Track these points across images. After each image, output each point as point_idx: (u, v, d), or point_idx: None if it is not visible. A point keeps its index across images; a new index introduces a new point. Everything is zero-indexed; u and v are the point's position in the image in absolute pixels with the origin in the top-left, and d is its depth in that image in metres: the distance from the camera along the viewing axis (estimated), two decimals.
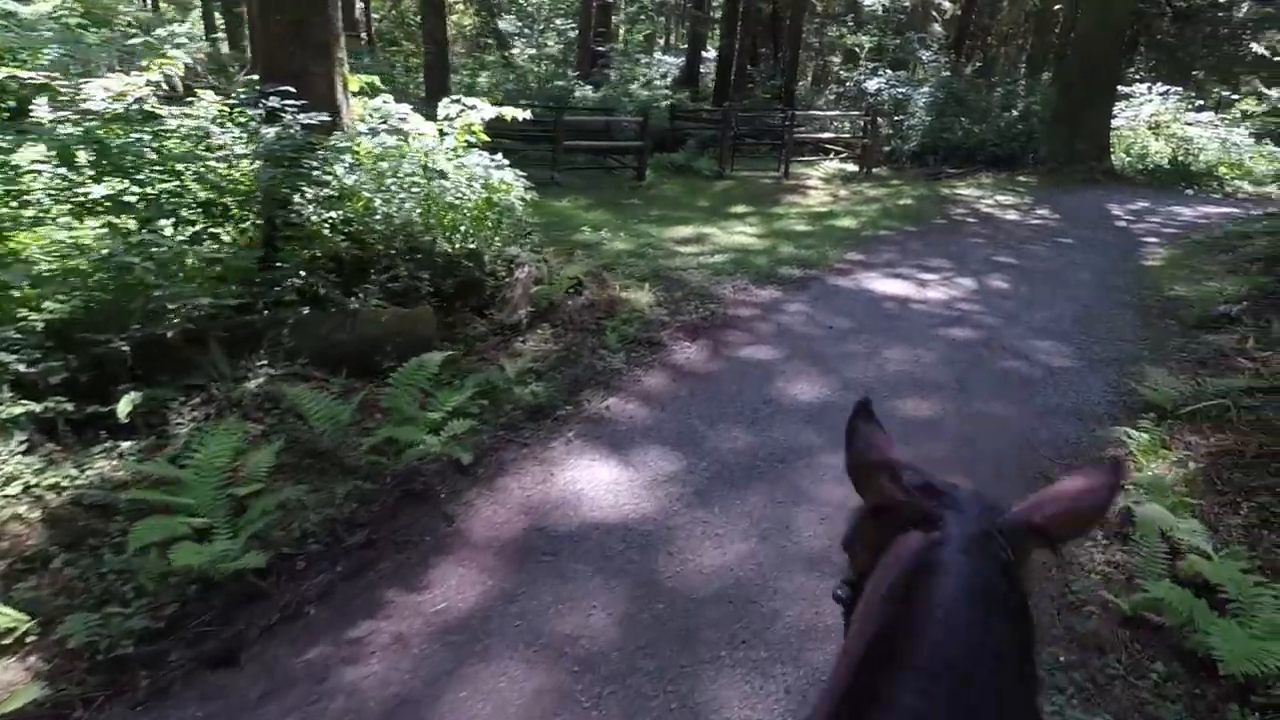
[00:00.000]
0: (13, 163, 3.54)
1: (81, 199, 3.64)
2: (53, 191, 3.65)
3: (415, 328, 4.38)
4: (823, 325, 6.04)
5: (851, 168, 15.20)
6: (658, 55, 31.20)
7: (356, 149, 4.90)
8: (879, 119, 15.45)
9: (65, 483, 3.02)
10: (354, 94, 5.72)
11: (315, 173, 4.50)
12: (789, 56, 20.40)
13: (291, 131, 4.40)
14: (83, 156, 3.68)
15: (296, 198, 4.40)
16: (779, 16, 23.36)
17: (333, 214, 4.51)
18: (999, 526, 0.76)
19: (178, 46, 4.71)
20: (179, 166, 3.95)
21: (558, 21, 29.80)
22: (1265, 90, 21.24)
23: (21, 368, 3.07)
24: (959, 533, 0.74)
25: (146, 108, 4.34)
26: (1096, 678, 2.58)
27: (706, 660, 2.60)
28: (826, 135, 16.13)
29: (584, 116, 17.84)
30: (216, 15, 20.61)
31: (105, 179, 3.69)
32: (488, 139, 6.11)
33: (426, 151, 5.37)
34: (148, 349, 3.47)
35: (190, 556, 2.68)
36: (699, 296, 6.59)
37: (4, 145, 3.54)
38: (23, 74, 4.13)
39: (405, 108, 6.02)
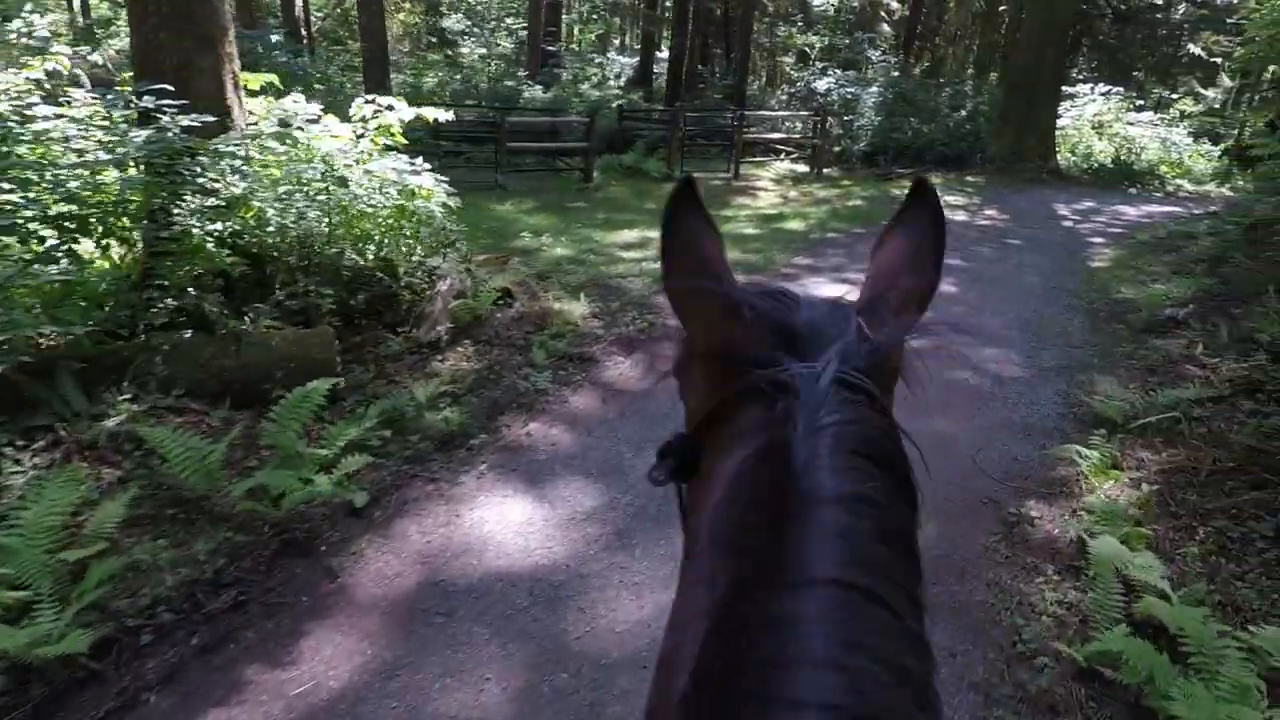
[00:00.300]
0: None
1: None
2: None
3: (311, 351, 3.95)
4: None
5: (802, 168, 15.05)
6: (612, 55, 30.93)
7: (248, 154, 4.45)
8: (829, 119, 15.33)
9: None
10: (254, 93, 5.26)
11: (200, 180, 4.05)
12: (740, 56, 20.23)
13: (169, 134, 3.94)
14: None
15: (176, 208, 3.94)
16: (730, 17, 23.21)
17: (218, 226, 4.06)
18: (858, 365, 0.60)
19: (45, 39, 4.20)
20: (29, 175, 3.47)
21: (509, 21, 29.36)
22: (1201, 90, 21.77)
23: None
24: (810, 411, 0.56)
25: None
26: None
27: None
28: (777, 136, 15.97)
29: (531, 117, 17.44)
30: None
31: None
32: (406, 141, 5.69)
33: (327, 155, 4.93)
34: None
35: (1, 640, 2.25)
36: (638, 306, 6.26)
37: None
38: None
39: (315, 108, 5.56)
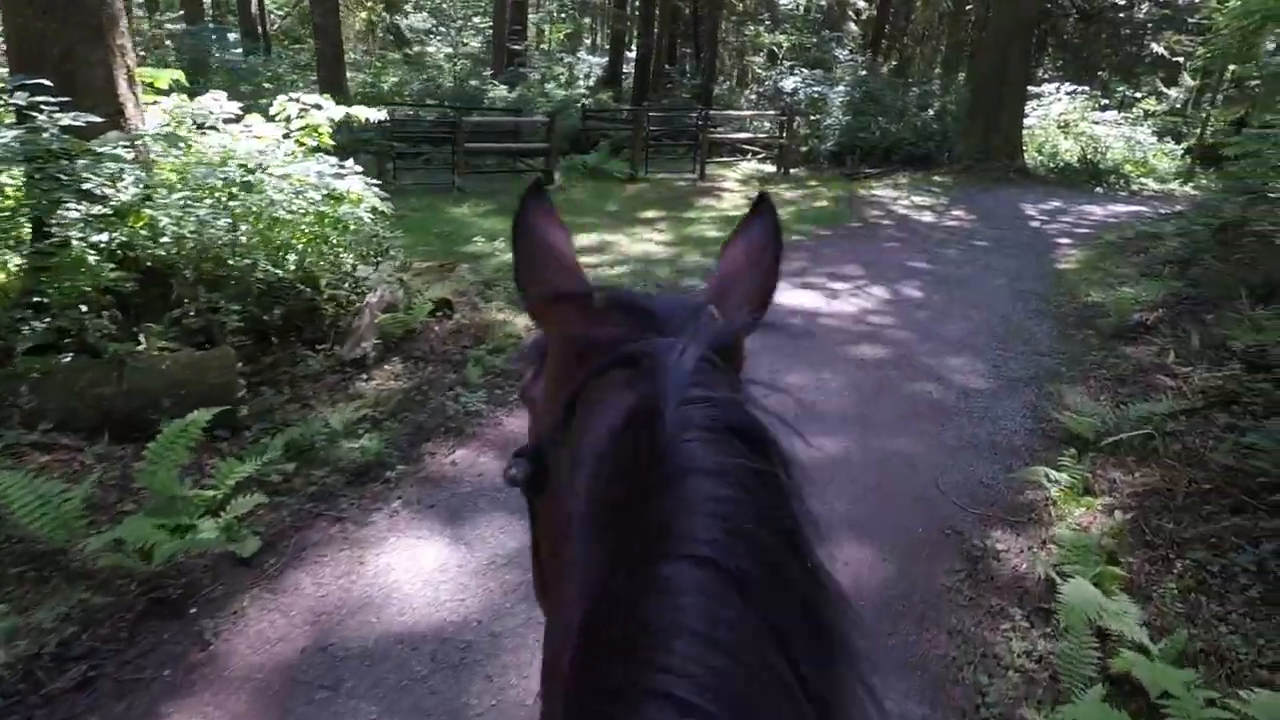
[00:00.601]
0: None
1: None
2: None
3: (208, 374, 3.56)
4: None
5: (769, 169, 14.80)
6: (582, 55, 30.59)
7: (146, 156, 4.04)
8: (796, 119, 15.10)
9: None
10: (162, 91, 4.83)
11: (85, 185, 3.63)
12: (707, 56, 19.98)
13: (45, 133, 3.52)
14: None
15: (55, 217, 3.53)
16: (699, 16, 22.94)
17: (104, 236, 3.65)
18: (713, 343, 0.56)
19: None
20: None
21: (476, 20, 28.87)
22: (1164, 89, 21.90)
23: None
24: (676, 380, 0.51)
25: None
26: None
27: None
28: (743, 136, 15.71)
29: (494, 117, 17.03)
30: None
31: None
32: (331, 143, 5.29)
33: (244, 158, 4.52)
34: None
35: None
36: None
37: None
38: None
39: (234, 106, 5.14)
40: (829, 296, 6.74)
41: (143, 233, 3.83)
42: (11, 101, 3.56)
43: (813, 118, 16.05)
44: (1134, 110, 19.26)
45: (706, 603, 0.43)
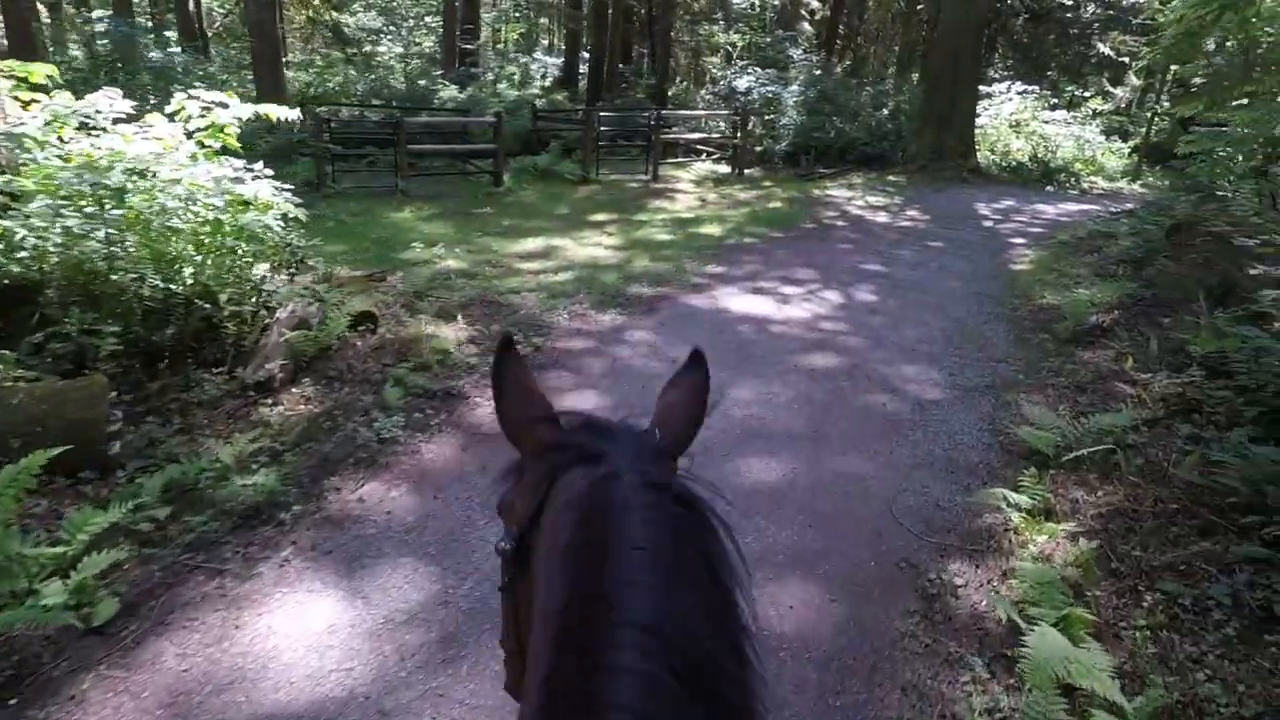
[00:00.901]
0: None
1: None
2: None
3: (66, 408, 3.12)
4: (666, 359, 5.12)
5: (724, 169, 14.58)
6: (539, 55, 30.18)
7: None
8: (750, 119, 14.90)
9: None
10: (37, 88, 4.35)
11: None
12: (660, 55, 19.72)
13: None
14: None
15: None
16: (654, 15, 22.68)
17: None
18: (653, 448, 0.79)
19: None
20: None
21: (429, 20, 28.26)
22: (1111, 89, 22.25)
23: None
24: (626, 464, 0.72)
25: None
26: None
27: None
28: (697, 136, 15.46)
29: (443, 117, 16.56)
30: None
31: None
32: (237, 145, 4.84)
33: (132, 161, 4.07)
34: None
35: None
36: (526, 326, 5.56)
37: None
38: None
39: (126, 105, 4.67)
40: (780, 302, 6.48)
41: None
42: None
43: (767, 117, 15.87)
44: (1082, 109, 19.49)
45: (646, 570, 0.63)
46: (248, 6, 14.73)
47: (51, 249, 3.51)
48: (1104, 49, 19.87)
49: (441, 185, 12.31)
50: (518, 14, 34.81)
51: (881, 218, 10.47)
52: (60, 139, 3.94)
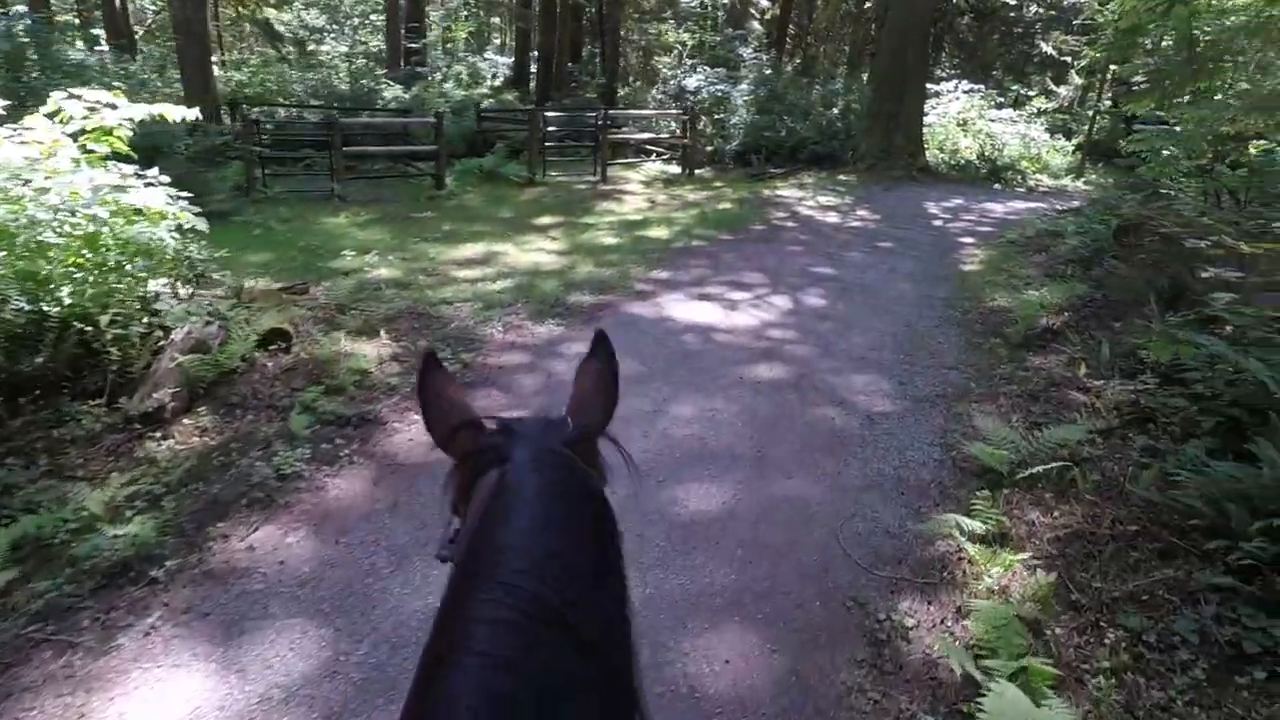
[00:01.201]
0: None
1: None
2: None
3: None
4: None
5: (674, 169, 14.34)
6: (489, 54, 29.69)
7: None
8: (700, 118, 14.69)
9: None
10: None
11: None
12: (609, 54, 19.42)
13: None
14: None
15: None
16: (604, 14, 22.36)
17: None
18: (562, 441, 0.84)
19: None
20: None
21: (375, 18, 27.56)
22: (1054, 88, 22.63)
23: None
24: (523, 455, 0.80)
25: None
26: None
27: None
28: (646, 136, 15.20)
29: (383, 118, 16.03)
30: None
31: None
32: (126, 149, 4.41)
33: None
34: None
35: None
36: (457, 341, 5.22)
37: None
38: None
39: None
40: (727, 308, 6.23)
41: None
42: None
43: (717, 117, 15.69)
44: (1026, 108, 19.74)
45: (523, 536, 0.72)
46: (173, 4, 13.99)
47: None
48: (1046, 48, 20.17)
49: (382, 188, 11.84)
50: (467, 12, 34.18)
51: (832, 218, 10.33)
52: None
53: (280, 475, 3.43)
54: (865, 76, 20.50)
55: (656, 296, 6.52)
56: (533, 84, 23.05)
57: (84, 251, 3.87)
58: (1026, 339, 5.31)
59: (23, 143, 4.04)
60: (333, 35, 27.96)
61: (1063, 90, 22.78)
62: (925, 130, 15.39)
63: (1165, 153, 5.23)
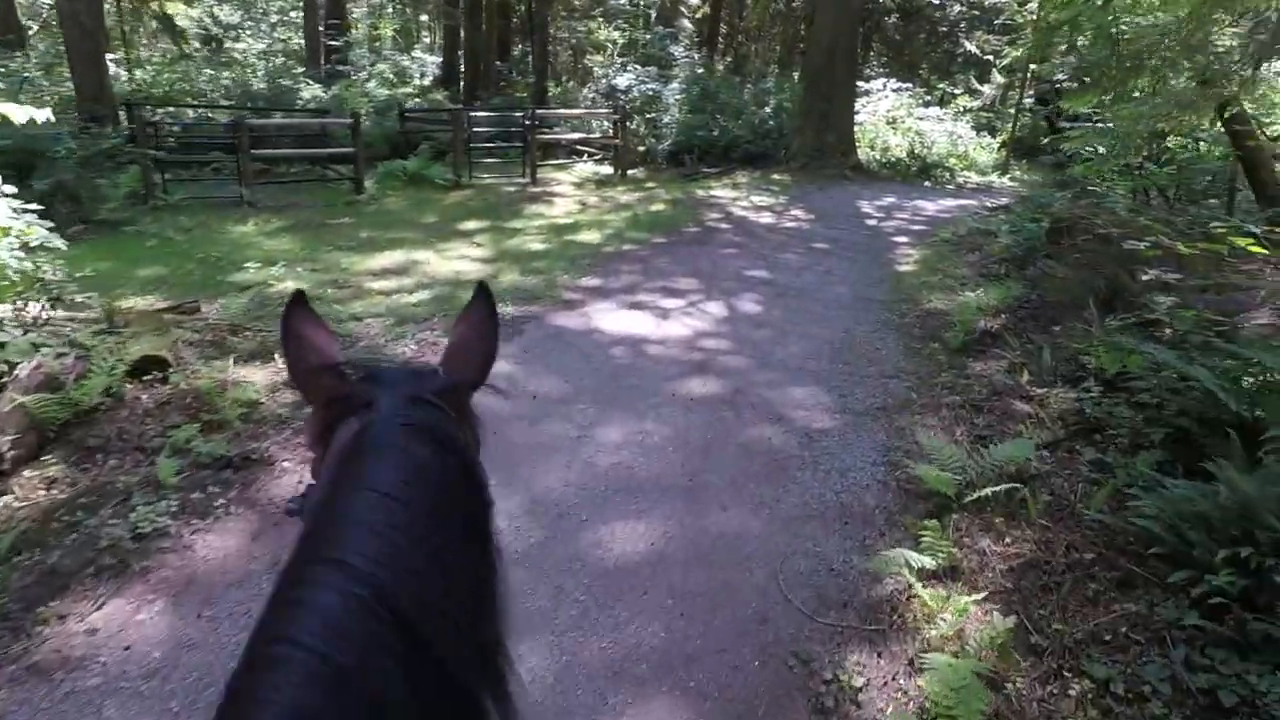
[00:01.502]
0: None
1: None
2: None
3: None
4: (526, 393, 4.45)
5: (607, 170, 13.98)
6: (418, 53, 28.84)
7: None
8: (632, 117, 14.38)
9: None
10: None
11: None
12: (537, 51, 18.95)
13: None
14: None
15: None
16: (533, 11, 21.84)
17: None
18: (429, 390, 0.78)
19: None
20: None
21: (295, 15, 26.48)
22: (978, 86, 23.12)
23: None
24: (389, 405, 0.74)
25: None
26: None
27: None
28: (576, 136, 14.80)
29: (299, 118, 15.22)
30: None
31: None
32: None
33: None
34: None
35: None
36: (365, 361, 4.73)
37: None
38: None
39: None
40: (659, 317, 5.92)
41: None
42: None
43: (649, 116, 15.41)
44: (951, 106, 20.09)
45: (371, 510, 0.62)
46: None
47: None
48: (970, 47, 20.55)
49: (298, 193, 11.18)
50: (392, 8, 33.15)
51: (766, 219, 10.14)
52: None
53: (138, 535, 2.95)
54: (796, 75, 20.56)
55: (585, 306, 6.16)
56: (463, 83, 22.40)
57: None
58: (966, 344, 5.14)
59: None
60: (249, 32, 26.73)
61: (986, 89, 23.30)
62: (856, 129, 15.42)
63: (1100, 151, 5.14)
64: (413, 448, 0.70)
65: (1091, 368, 4.05)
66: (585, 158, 14.85)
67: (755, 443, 3.94)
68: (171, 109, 15.74)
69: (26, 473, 3.24)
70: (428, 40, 33.95)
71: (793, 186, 12.56)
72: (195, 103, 16.65)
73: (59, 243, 4.00)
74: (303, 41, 23.21)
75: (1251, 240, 3.71)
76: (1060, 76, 10.33)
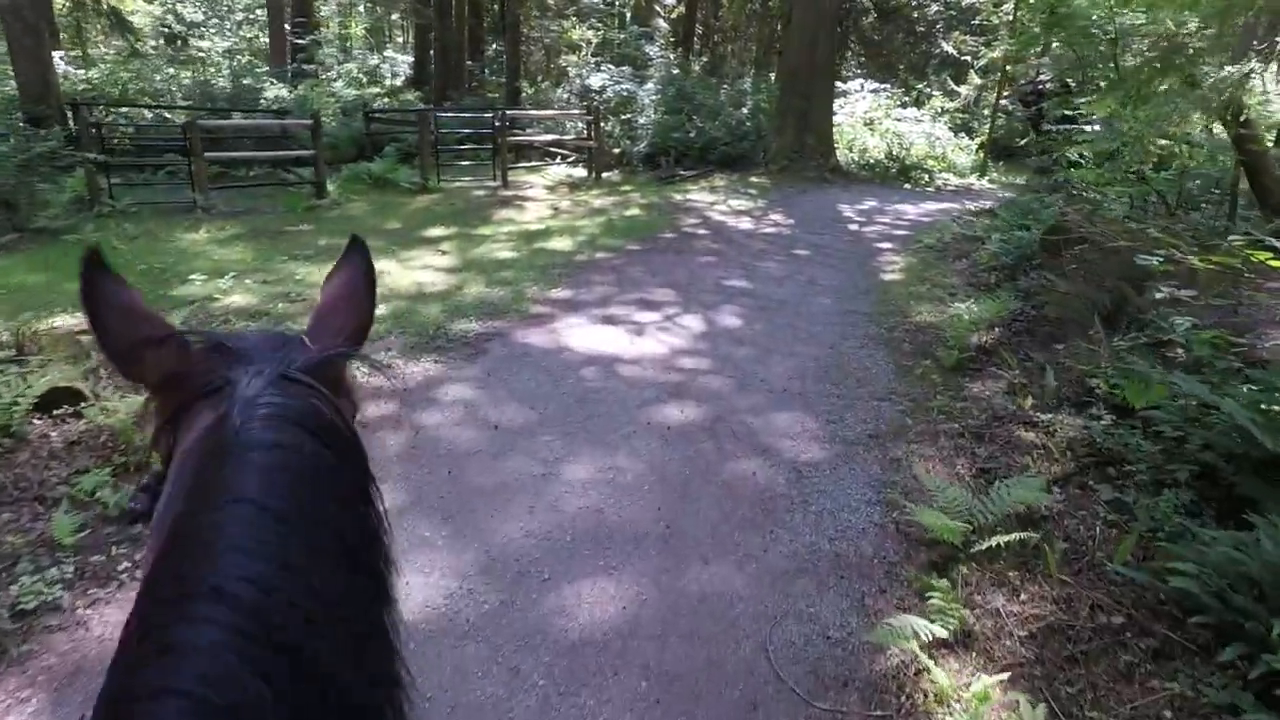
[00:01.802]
0: None
1: None
2: None
3: None
4: (488, 424, 4.05)
5: (581, 173, 13.58)
6: (390, 52, 28.26)
7: None
8: (608, 118, 14.00)
9: None
10: None
11: None
12: (509, 51, 18.50)
13: None
14: None
15: None
16: (505, 9, 21.36)
17: None
18: (297, 366, 0.67)
19: None
20: None
21: (260, 12, 25.83)
22: (955, 87, 23.03)
23: None
24: (252, 389, 0.63)
25: None
26: None
27: None
28: (549, 138, 14.37)
29: (258, 119, 14.64)
30: None
31: None
32: None
33: None
34: None
35: None
36: None
37: None
38: None
39: None
40: (634, 333, 5.54)
41: None
42: None
43: (624, 117, 15.03)
44: (926, 106, 19.94)
45: (248, 527, 0.53)
46: None
47: None
48: (947, 47, 20.43)
49: (257, 198, 10.67)
50: (363, 7, 32.45)
51: (745, 224, 9.80)
52: None
53: (19, 611, 2.51)
54: (773, 76, 20.30)
55: (555, 321, 5.77)
56: (434, 83, 21.87)
57: None
58: (960, 362, 4.83)
59: None
60: (214, 30, 25.99)
61: (964, 89, 23.22)
62: (834, 130, 15.16)
63: (1110, 153, 4.83)
64: (285, 441, 0.59)
65: (1100, 392, 3.73)
66: (559, 160, 14.45)
67: (738, 480, 3.58)
68: (125, 109, 15.10)
69: None
70: (400, 40, 33.30)
71: (772, 190, 12.25)
72: (150, 103, 15.98)
73: None
74: (270, 41, 22.57)
75: (1270, 255, 3.42)
76: (1043, 77, 10.09)
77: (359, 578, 0.58)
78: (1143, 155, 4.86)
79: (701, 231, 9.27)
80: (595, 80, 15.79)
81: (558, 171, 13.81)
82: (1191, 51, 4.13)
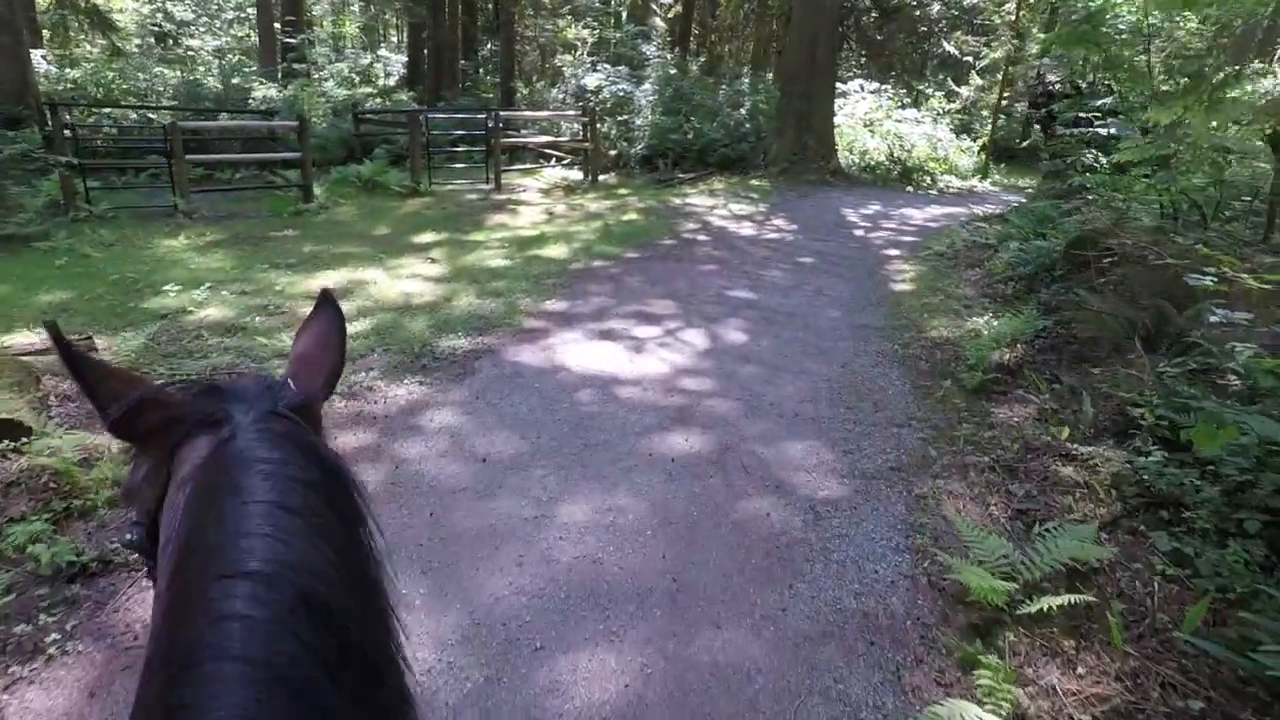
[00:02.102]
0: None
1: None
2: None
3: None
4: (475, 456, 3.71)
5: (577, 175, 13.25)
6: (384, 51, 27.95)
7: None
8: (604, 119, 13.65)
9: None
10: None
11: None
12: (503, 50, 18.16)
13: None
14: None
15: None
16: (499, 8, 21.01)
17: None
18: (285, 404, 0.73)
19: None
20: None
21: (250, 11, 25.48)
22: (955, 88, 22.75)
23: None
24: (247, 419, 0.69)
25: None
26: None
27: None
28: (544, 139, 14.03)
29: (244, 120, 14.27)
30: None
31: None
32: None
33: None
34: None
35: None
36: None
37: None
38: None
39: None
40: (633, 350, 5.21)
41: None
42: None
43: (621, 118, 14.69)
44: (925, 107, 19.64)
45: (269, 519, 0.59)
46: None
47: None
48: (949, 47, 20.13)
49: (241, 202, 10.31)
50: (356, 5, 32.07)
51: (747, 229, 9.47)
52: None
53: None
54: (771, 75, 19.97)
55: (549, 336, 5.43)
56: (427, 83, 21.51)
57: None
58: (983, 384, 4.50)
59: None
60: (204, 29, 25.62)
61: (964, 90, 22.94)
62: (834, 131, 14.85)
63: (1177, 162, 4.49)
64: (287, 459, 0.65)
65: (1146, 423, 3.41)
66: (554, 162, 14.11)
67: (751, 522, 3.24)
68: (109, 110, 14.71)
69: None
70: (394, 39, 32.90)
71: (773, 193, 11.93)
72: (134, 103, 15.59)
73: None
74: (258, 39, 22.20)
75: None
76: (1052, 78, 9.79)
77: (348, 538, 0.63)
78: (1200, 163, 4.53)
79: (702, 238, 8.93)
80: (591, 80, 15.44)
81: (553, 174, 13.47)
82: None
